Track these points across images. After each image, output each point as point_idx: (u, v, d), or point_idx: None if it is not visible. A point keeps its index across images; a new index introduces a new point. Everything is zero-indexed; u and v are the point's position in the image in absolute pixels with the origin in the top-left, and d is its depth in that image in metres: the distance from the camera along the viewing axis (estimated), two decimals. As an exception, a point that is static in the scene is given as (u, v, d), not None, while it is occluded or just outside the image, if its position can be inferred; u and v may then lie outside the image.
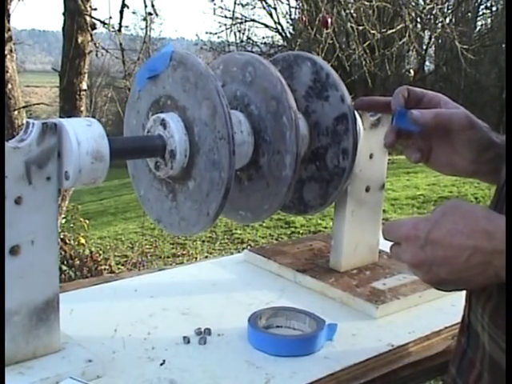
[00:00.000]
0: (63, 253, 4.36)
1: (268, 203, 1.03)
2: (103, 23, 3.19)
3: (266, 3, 11.09)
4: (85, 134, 0.78)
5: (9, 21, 3.23)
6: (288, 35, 11.79)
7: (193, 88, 0.90)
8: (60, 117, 3.10)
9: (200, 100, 0.89)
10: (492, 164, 0.84)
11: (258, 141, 1.00)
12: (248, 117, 1.01)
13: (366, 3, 4.82)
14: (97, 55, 3.27)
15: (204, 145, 0.90)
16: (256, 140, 1.01)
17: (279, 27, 12.04)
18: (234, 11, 7.50)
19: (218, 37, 10.02)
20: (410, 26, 5.40)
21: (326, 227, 5.53)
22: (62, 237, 4.43)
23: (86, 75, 3.41)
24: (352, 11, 5.08)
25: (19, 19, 6.51)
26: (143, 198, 1.04)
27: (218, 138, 0.88)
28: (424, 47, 11.53)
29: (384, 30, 5.68)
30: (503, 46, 9.43)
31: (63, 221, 4.23)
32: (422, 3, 6.18)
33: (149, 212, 1.04)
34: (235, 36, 10.26)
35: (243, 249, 3.76)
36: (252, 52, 1.52)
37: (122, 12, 3.19)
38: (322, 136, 1.08)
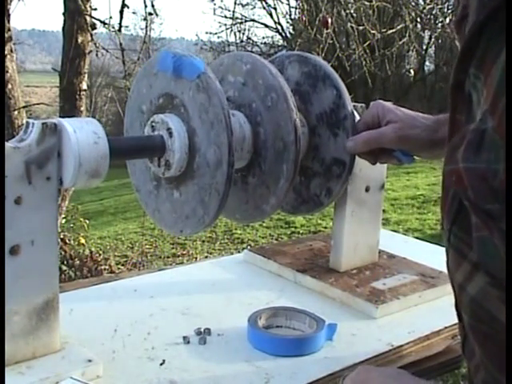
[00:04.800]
0: (63, 253, 4.36)
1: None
2: (103, 23, 3.19)
3: (266, 3, 11.09)
4: (89, 154, 0.78)
5: (9, 21, 3.23)
6: (288, 35, 11.77)
7: (208, 123, 0.88)
8: (60, 117, 3.10)
9: (211, 141, 0.88)
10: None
11: (256, 160, 1.01)
12: (254, 135, 1.00)
13: (366, 3, 4.83)
14: (97, 55, 3.26)
15: (202, 177, 0.91)
16: (253, 159, 1.01)
17: (279, 27, 12.03)
18: (234, 11, 7.53)
19: (218, 37, 10.02)
20: (410, 25, 5.40)
21: (325, 227, 5.53)
22: (61, 237, 4.43)
23: (86, 75, 3.41)
24: (352, 11, 5.08)
25: (19, 19, 6.51)
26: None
27: (219, 175, 0.89)
28: (424, 47, 11.52)
29: (384, 30, 5.68)
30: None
31: (63, 221, 4.23)
32: (422, 3, 6.17)
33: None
34: (235, 36, 10.27)
35: (243, 249, 3.74)
36: (252, 52, 1.52)
37: (121, 12, 3.19)
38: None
